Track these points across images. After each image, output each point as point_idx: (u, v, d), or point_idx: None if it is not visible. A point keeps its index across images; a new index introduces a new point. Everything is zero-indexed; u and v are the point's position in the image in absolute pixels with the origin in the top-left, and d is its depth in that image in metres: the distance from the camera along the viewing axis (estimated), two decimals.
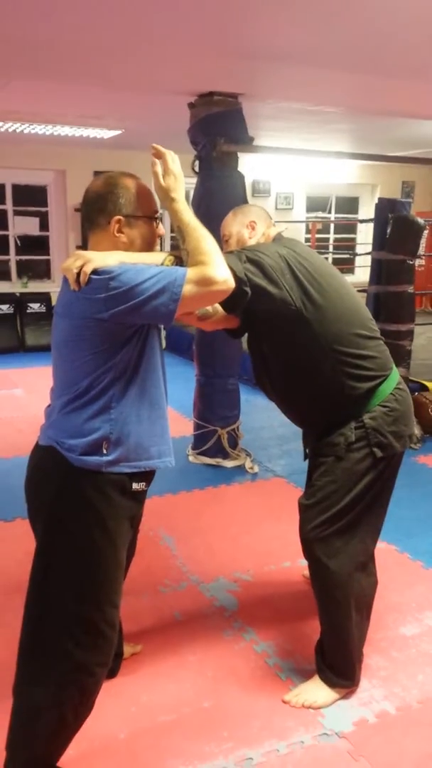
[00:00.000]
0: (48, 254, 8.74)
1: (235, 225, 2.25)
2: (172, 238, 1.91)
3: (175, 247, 1.78)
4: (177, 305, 1.61)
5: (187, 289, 1.61)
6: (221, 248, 2.10)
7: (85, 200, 1.77)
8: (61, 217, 8.53)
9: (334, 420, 2.17)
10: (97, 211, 1.73)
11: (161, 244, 1.86)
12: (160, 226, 1.81)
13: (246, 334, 2.36)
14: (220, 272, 1.64)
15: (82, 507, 1.69)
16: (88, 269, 1.60)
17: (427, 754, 2.00)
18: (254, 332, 2.26)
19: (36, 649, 1.73)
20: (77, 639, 1.70)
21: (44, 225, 8.63)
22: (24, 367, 7.35)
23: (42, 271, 8.85)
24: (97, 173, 8.08)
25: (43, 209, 8.59)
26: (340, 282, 2.17)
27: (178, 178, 1.73)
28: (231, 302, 1.85)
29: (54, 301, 9.15)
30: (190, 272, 1.63)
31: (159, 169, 1.73)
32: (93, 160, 8.29)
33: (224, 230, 2.27)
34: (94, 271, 1.60)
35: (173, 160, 1.73)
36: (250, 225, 2.23)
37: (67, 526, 1.69)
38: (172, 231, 1.86)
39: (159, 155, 1.74)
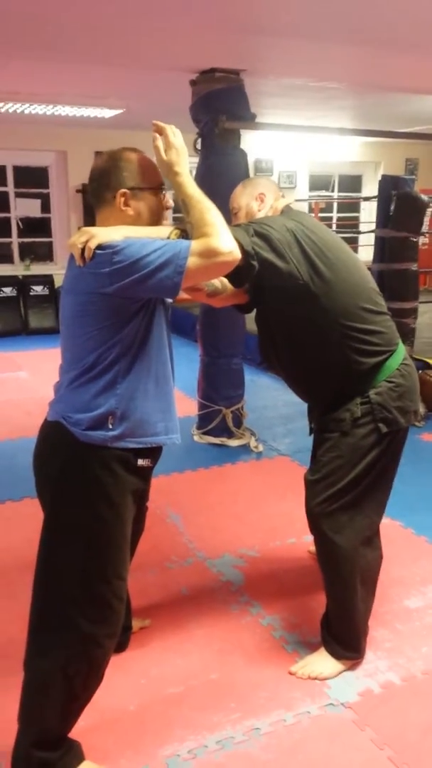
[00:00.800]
0: (50, 236, 8.71)
1: (244, 197, 2.24)
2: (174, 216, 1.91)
3: (180, 221, 1.78)
4: (182, 277, 1.61)
5: (192, 261, 1.61)
6: (230, 222, 2.10)
7: (90, 178, 1.78)
8: (62, 198, 8.50)
9: (339, 395, 2.18)
10: (102, 187, 1.74)
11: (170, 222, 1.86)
12: (167, 197, 1.80)
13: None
14: (225, 243, 1.64)
15: (88, 481, 1.71)
16: (92, 244, 1.61)
17: None
18: (261, 306, 2.27)
19: (45, 621, 1.76)
20: (85, 611, 1.73)
21: (45, 207, 8.60)
22: (28, 349, 7.37)
23: (44, 253, 8.83)
24: (98, 153, 8.00)
25: (44, 191, 8.55)
26: (348, 255, 2.16)
27: (180, 151, 1.72)
28: (238, 276, 1.86)
29: (57, 284, 9.12)
30: (195, 244, 1.63)
31: (160, 143, 1.73)
32: (94, 140, 8.23)
33: (233, 203, 2.27)
34: (99, 246, 1.61)
35: (174, 134, 1.73)
36: (259, 197, 2.22)
37: (73, 500, 1.72)
38: (176, 210, 1.86)
39: (160, 130, 1.74)
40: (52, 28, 3.45)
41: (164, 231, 1.74)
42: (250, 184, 2.28)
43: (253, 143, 7.98)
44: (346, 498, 2.15)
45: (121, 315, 1.67)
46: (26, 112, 6.50)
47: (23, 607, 2.56)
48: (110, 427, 1.70)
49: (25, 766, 1.77)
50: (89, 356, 1.69)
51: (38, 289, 8.34)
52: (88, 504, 1.71)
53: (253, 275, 1.91)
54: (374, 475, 2.17)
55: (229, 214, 2.23)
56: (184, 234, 1.73)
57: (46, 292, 8.36)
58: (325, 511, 2.16)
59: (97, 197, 1.76)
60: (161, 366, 1.78)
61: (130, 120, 7.11)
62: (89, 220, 8.36)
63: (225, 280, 2.08)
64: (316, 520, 2.20)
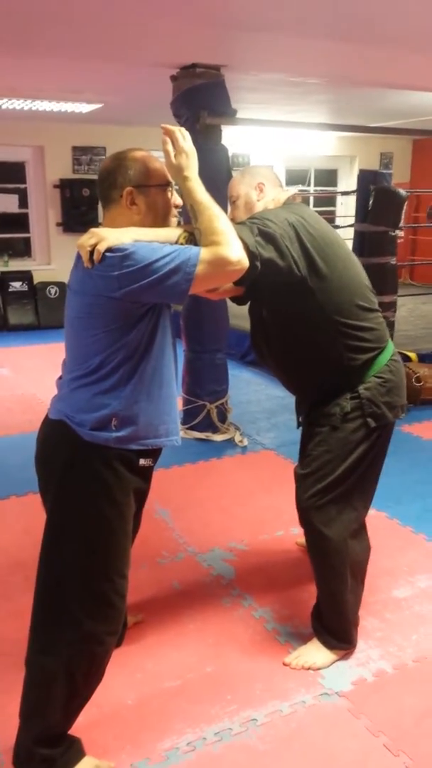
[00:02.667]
0: (28, 232, 8.64)
1: (243, 186, 2.23)
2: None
3: (188, 222, 1.78)
4: (190, 285, 1.62)
5: (201, 268, 1.62)
6: (227, 209, 2.09)
7: (98, 180, 1.79)
8: (40, 193, 8.43)
9: (329, 389, 2.21)
10: (108, 187, 1.74)
11: (179, 218, 1.84)
12: (175, 195, 1.79)
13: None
14: (235, 253, 1.65)
15: (90, 479, 1.72)
16: (101, 247, 1.60)
17: (425, 710, 2.08)
18: (255, 298, 2.28)
19: (47, 618, 1.77)
20: (87, 609, 1.74)
21: (23, 202, 8.53)
22: (8, 346, 7.30)
23: (22, 249, 8.76)
24: (75, 148, 7.99)
25: (21, 186, 8.47)
26: (345, 252, 2.18)
27: (190, 155, 1.72)
28: (241, 277, 1.87)
29: (36, 280, 9.04)
30: (204, 252, 1.63)
31: (170, 147, 1.72)
32: (71, 135, 8.19)
33: (232, 191, 2.25)
34: (108, 249, 1.61)
35: (184, 137, 1.73)
36: (258, 187, 2.21)
37: (76, 498, 1.72)
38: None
39: (169, 133, 1.73)
40: (31, 24, 3.42)
41: (173, 234, 1.74)
42: (249, 173, 2.26)
43: (230, 139, 8.00)
44: (336, 491, 2.19)
45: (127, 318, 1.67)
46: (3, 107, 6.43)
47: (15, 605, 2.58)
48: (114, 428, 1.71)
49: (27, 762, 1.79)
50: (95, 358, 1.70)
51: (17, 285, 8.27)
52: (91, 502, 1.72)
53: (256, 275, 1.91)
54: (363, 468, 2.21)
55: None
56: (192, 238, 1.73)
57: (25, 288, 8.28)
58: (315, 505, 2.20)
59: (104, 197, 1.77)
60: (165, 369, 1.79)
61: (108, 115, 7.07)
62: (67, 215, 8.33)
63: None
64: (306, 513, 2.23)
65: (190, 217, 1.75)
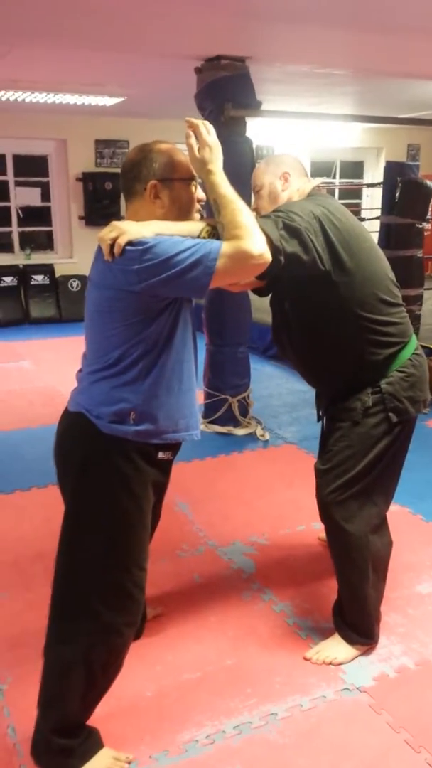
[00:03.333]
0: (50, 225, 8.68)
1: (268, 175, 2.19)
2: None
3: (210, 216, 1.76)
4: (210, 278, 1.60)
5: (222, 262, 1.60)
6: (251, 200, 2.06)
7: (122, 171, 1.77)
8: (62, 187, 8.46)
9: (350, 384, 2.18)
10: (132, 179, 1.73)
11: (202, 211, 1.83)
12: (198, 190, 1.78)
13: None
14: (257, 246, 1.63)
15: (109, 471, 1.71)
16: (122, 241, 1.59)
17: None
18: (278, 290, 2.25)
19: (66, 609, 1.77)
20: (106, 600, 1.74)
21: (45, 195, 8.56)
22: (30, 339, 7.35)
23: (44, 243, 8.80)
24: (98, 142, 7.99)
25: (44, 179, 8.51)
26: (370, 245, 2.15)
27: (214, 149, 1.69)
28: (265, 271, 1.84)
29: (58, 273, 9.08)
30: (226, 246, 1.61)
31: (193, 141, 1.70)
32: (94, 129, 8.20)
33: (255, 180, 2.22)
34: (129, 243, 1.60)
35: (208, 131, 1.70)
36: (283, 176, 2.17)
37: (95, 490, 1.72)
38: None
39: (193, 127, 1.71)
40: (54, 15, 3.42)
41: (195, 228, 1.72)
42: (273, 162, 2.22)
43: (253, 130, 7.95)
44: (357, 487, 2.16)
45: (148, 312, 1.66)
46: (27, 100, 6.46)
47: (36, 596, 2.59)
48: (132, 422, 1.71)
49: (46, 752, 1.79)
50: (114, 351, 1.69)
51: (39, 279, 8.31)
52: (110, 494, 1.72)
53: (279, 269, 1.88)
54: (384, 463, 2.18)
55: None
56: (215, 231, 1.71)
57: (47, 281, 8.33)
58: (336, 500, 2.17)
59: (127, 189, 1.75)
60: (185, 363, 1.78)
61: (131, 108, 7.06)
62: (90, 208, 8.35)
63: None
64: (327, 508, 2.21)
65: (213, 211, 1.73)
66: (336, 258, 2.01)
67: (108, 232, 1.63)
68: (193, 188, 1.77)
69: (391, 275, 2.21)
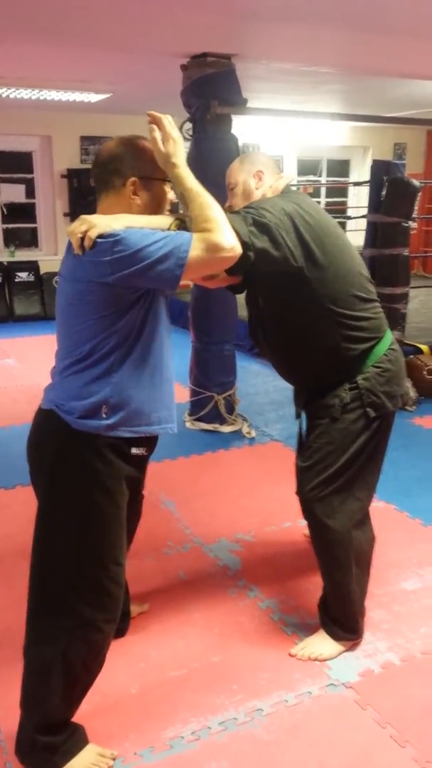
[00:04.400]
0: (35, 222, 8.63)
1: (242, 173, 2.19)
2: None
3: (178, 211, 1.77)
4: (182, 270, 1.60)
5: (193, 255, 1.60)
6: (226, 197, 2.06)
7: (98, 162, 1.75)
8: (47, 183, 8.41)
9: (327, 380, 2.19)
10: (111, 173, 1.71)
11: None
12: (170, 191, 1.78)
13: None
14: (227, 239, 1.63)
15: (81, 468, 1.70)
16: (92, 234, 1.58)
17: None
18: (252, 287, 2.25)
19: (43, 607, 1.76)
20: (83, 597, 1.73)
21: (30, 192, 8.50)
22: (14, 336, 7.31)
23: (29, 240, 8.74)
24: (83, 138, 7.92)
25: (29, 176, 8.45)
26: (342, 241, 2.16)
27: (178, 142, 1.69)
28: (234, 267, 1.84)
29: (42, 270, 8.98)
30: (196, 238, 1.62)
31: (157, 134, 1.70)
32: (79, 125, 8.16)
33: (230, 178, 2.22)
34: (100, 235, 1.59)
35: (171, 124, 1.70)
36: (257, 174, 2.17)
37: (67, 487, 1.71)
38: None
39: (156, 121, 1.71)
40: (41, 13, 3.40)
41: (164, 221, 1.72)
42: (247, 160, 2.23)
43: (240, 128, 7.94)
44: (338, 483, 2.17)
45: (119, 305, 1.65)
46: (11, 96, 6.41)
47: (20, 594, 2.54)
48: (104, 416, 1.69)
49: (30, 750, 1.78)
50: (85, 345, 1.68)
51: (23, 276, 8.26)
52: (83, 491, 1.70)
53: (249, 265, 1.89)
54: (364, 459, 2.19)
55: (223, 199, 2.21)
56: (183, 225, 1.71)
57: (32, 278, 8.28)
58: (317, 497, 2.18)
59: (104, 182, 1.73)
60: (158, 355, 1.77)
61: (117, 105, 7.03)
62: (75, 205, 8.30)
63: None
64: (309, 505, 2.22)
65: (180, 204, 1.73)
66: (308, 254, 2.02)
67: (78, 225, 1.62)
68: (167, 188, 1.78)
69: (365, 271, 2.22)
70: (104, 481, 1.72)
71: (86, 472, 1.70)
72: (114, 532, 1.76)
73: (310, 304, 2.09)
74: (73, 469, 1.70)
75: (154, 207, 1.76)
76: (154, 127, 1.71)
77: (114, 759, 1.84)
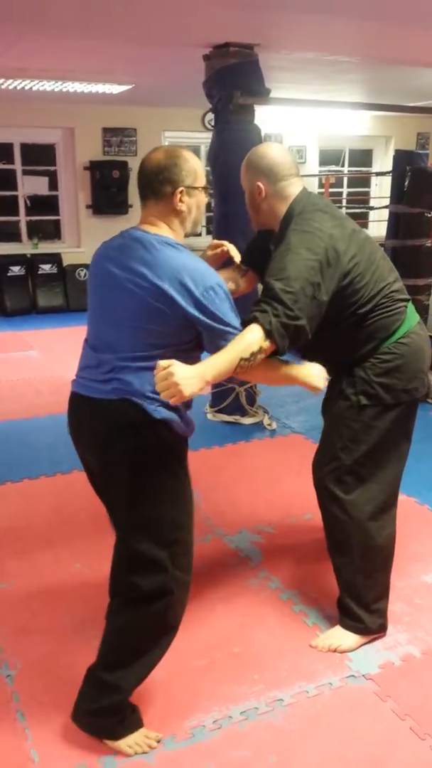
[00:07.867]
0: (58, 214, 8.67)
1: (246, 182, 2.16)
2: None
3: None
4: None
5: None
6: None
7: (146, 170, 1.84)
8: (70, 175, 8.44)
9: (338, 372, 2.22)
10: (161, 182, 1.81)
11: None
12: (207, 196, 1.92)
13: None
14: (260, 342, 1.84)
15: (167, 452, 1.84)
16: (177, 401, 1.64)
17: None
18: None
19: (140, 567, 1.85)
20: (177, 561, 1.86)
21: (53, 184, 8.54)
22: (37, 328, 7.36)
23: (52, 232, 8.79)
24: (105, 130, 7.92)
25: (51, 168, 8.49)
26: (370, 249, 2.12)
27: (188, 377, 1.63)
28: (298, 340, 1.93)
29: (65, 262, 8.97)
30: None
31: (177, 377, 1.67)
32: (102, 117, 8.17)
33: (241, 181, 2.19)
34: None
35: (170, 374, 1.61)
36: (256, 188, 2.11)
37: (156, 467, 1.82)
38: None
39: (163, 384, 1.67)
40: (62, 4, 3.40)
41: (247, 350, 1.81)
42: (250, 167, 2.14)
43: (262, 118, 7.90)
44: (352, 475, 2.19)
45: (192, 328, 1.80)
46: (34, 88, 6.43)
47: (44, 584, 2.62)
48: (179, 410, 1.83)
49: (97, 713, 1.89)
50: (157, 350, 1.76)
51: (46, 268, 8.30)
52: (168, 468, 1.85)
53: (307, 333, 1.93)
54: (378, 450, 2.18)
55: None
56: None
57: (55, 270, 8.31)
58: (331, 488, 2.22)
59: (154, 190, 1.82)
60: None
61: (138, 96, 7.03)
62: (97, 197, 8.33)
63: (239, 280, 2.33)
64: (323, 495, 2.27)
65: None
66: (342, 280, 2.01)
67: (164, 387, 1.62)
68: (206, 195, 1.90)
69: (392, 279, 2.17)
70: (181, 458, 1.90)
71: (171, 455, 1.86)
72: (192, 501, 1.95)
73: (329, 315, 2.03)
74: (159, 453, 1.82)
75: (196, 213, 1.89)
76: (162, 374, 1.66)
77: (158, 741, 1.91)
